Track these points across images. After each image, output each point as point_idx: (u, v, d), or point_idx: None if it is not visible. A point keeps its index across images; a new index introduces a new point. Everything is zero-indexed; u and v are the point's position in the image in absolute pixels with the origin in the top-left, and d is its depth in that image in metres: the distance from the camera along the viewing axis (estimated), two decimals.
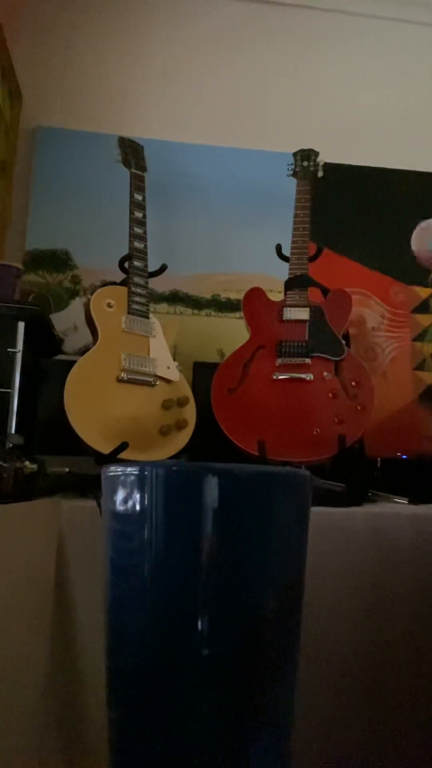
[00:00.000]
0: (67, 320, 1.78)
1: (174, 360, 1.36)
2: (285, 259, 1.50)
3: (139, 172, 1.53)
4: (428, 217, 2.02)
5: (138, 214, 1.47)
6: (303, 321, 1.38)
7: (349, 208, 2.00)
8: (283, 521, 0.67)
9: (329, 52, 2.10)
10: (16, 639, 0.79)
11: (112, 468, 0.68)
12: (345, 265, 1.95)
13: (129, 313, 1.34)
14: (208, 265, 1.91)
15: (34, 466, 0.97)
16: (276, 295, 1.46)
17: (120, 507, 0.66)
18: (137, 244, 1.43)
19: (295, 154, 1.63)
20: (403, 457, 1.45)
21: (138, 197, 1.49)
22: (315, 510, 0.73)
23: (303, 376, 1.32)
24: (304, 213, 1.52)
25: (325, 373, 1.32)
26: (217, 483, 0.62)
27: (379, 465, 1.36)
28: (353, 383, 1.30)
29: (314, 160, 1.61)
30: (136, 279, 1.39)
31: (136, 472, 0.65)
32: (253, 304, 1.44)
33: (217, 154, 1.97)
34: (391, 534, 1.00)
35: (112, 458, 1.12)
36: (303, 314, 1.39)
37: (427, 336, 1.96)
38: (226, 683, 0.62)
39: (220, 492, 0.62)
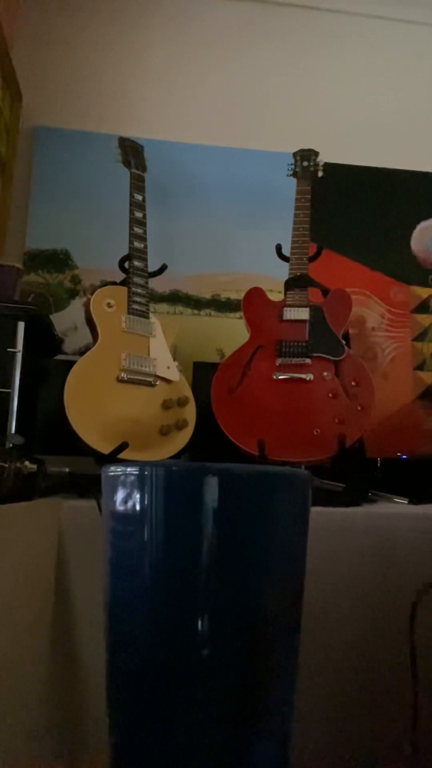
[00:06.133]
0: (67, 320, 1.78)
1: (174, 360, 1.36)
2: (285, 259, 1.50)
3: (139, 172, 1.53)
4: (428, 217, 2.03)
5: (138, 214, 1.47)
6: (303, 321, 1.38)
7: (349, 208, 2.00)
8: (283, 521, 0.67)
9: (329, 52, 2.10)
10: (16, 639, 0.78)
11: (112, 468, 0.68)
12: (345, 265, 1.95)
13: (129, 313, 1.34)
14: (208, 265, 1.91)
15: (34, 466, 0.97)
16: (276, 295, 1.46)
17: (120, 507, 0.66)
18: (137, 244, 1.43)
19: (295, 154, 1.63)
20: (403, 457, 1.45)
21: (138, 197, 1.49)
22: (315, 510, 0.73)
23: (303, 376, 1.32)
24: (304, 213, 1.52)
25: (325, 373, 1.32)
26: (217, 483, 0.62)
27: (379, 465, 1.36)
28: (353, 383, 1.30)
29: (314, 160, 1.61)
30: (136, 279, 1.39)
31: (136, 472, 0.65)
32: (253, 304, 1.44)
33: (217, 154, 1.97)
34: (391, 534, 1.00)
35: (112, 458, 1.12)
36: (303, 314, 1.39)
37: (427, 336, 1.96)
38: (226, 683, 0.62)
39: (220, 492, 0.62)
